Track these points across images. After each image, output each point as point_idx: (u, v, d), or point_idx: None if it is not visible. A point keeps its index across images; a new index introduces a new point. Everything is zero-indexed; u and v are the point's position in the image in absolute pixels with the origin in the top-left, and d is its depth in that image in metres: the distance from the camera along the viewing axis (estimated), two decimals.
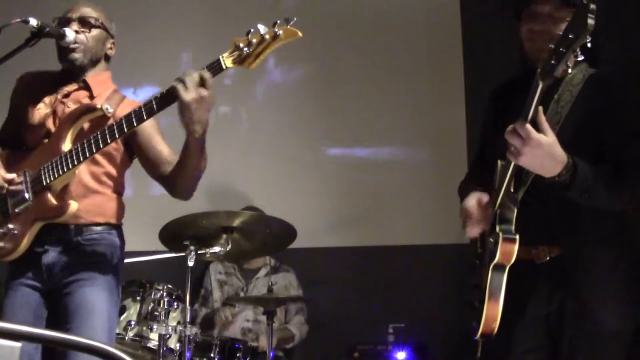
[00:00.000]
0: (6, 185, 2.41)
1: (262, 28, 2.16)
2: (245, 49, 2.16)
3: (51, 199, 2.36)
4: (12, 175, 2.42)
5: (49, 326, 2.41)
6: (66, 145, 2.37)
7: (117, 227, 2.56)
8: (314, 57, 4.76)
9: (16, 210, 2.37)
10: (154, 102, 2.24)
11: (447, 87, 4.70)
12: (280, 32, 2.15)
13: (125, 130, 2.27)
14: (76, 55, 2.50)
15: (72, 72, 2.56)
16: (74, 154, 2.33)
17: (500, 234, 2.01)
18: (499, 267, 2.03)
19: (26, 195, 2.36)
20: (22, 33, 2.37)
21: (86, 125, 2.44)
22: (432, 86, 4.71)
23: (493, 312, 2.04)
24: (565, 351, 2.04)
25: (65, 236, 2.44)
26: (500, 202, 2.05)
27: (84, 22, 2.52)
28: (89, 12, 2.54)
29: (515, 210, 2.03)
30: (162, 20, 4.87)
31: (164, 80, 2.27)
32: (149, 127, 2.46)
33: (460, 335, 2.17)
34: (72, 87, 2.55)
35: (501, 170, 2.06)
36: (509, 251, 2.01)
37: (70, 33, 2.46)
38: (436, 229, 4.37)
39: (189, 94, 2.16)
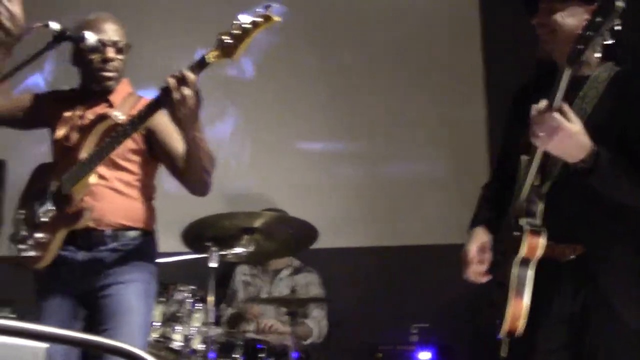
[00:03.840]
0: None
1: (242, 17, 2.19)
2: (227, 41, 2.20)
3: (71, 206, 2.43)
4: None
5: (87, 328, 2.48)
6: (83, 154, 2.44)
7: (151, 233, 2.62)
8: (330, 51, 4.74)
9: (43, 220, 2.47)
10: (138, 115, 2.32)
11: (465, 86, 4.65)
12: (259, 19, 2.18)
13: (129, 134, 2.34)
14: (110, 83, 2.57)
15: (101, 94, 2.60)
16: (89, 160, 2.40)
17: (528, 227, 1.98)
18: (524, 262, 2.00)
19: (49, 205, 2.46)
20: (44, 37, 2.38)
21: (104, 134, 2.47)
22: (451, 85, 4.65)
23: (518, 309, 2.00)
24: (588, 350, 2.01)
25: (101, 241, 2.50)
26: (526, 196, 2.03)
27: (119, 49, 2.54)
28: (119, 35, 2.55)
29: (541, 205, 2.01)
30: (169, 18, 4.83)
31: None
32: (162, 124, 2.50)
33: (487, 337, 2.14)
34: (98, 107, 2.58)
35: (525, 165, 2.05)
36: (534, 244, 1.98)
37: (90, 36, 2.46)
38: (461, 228, 4.32)
39: (172, 96, 2.21)
